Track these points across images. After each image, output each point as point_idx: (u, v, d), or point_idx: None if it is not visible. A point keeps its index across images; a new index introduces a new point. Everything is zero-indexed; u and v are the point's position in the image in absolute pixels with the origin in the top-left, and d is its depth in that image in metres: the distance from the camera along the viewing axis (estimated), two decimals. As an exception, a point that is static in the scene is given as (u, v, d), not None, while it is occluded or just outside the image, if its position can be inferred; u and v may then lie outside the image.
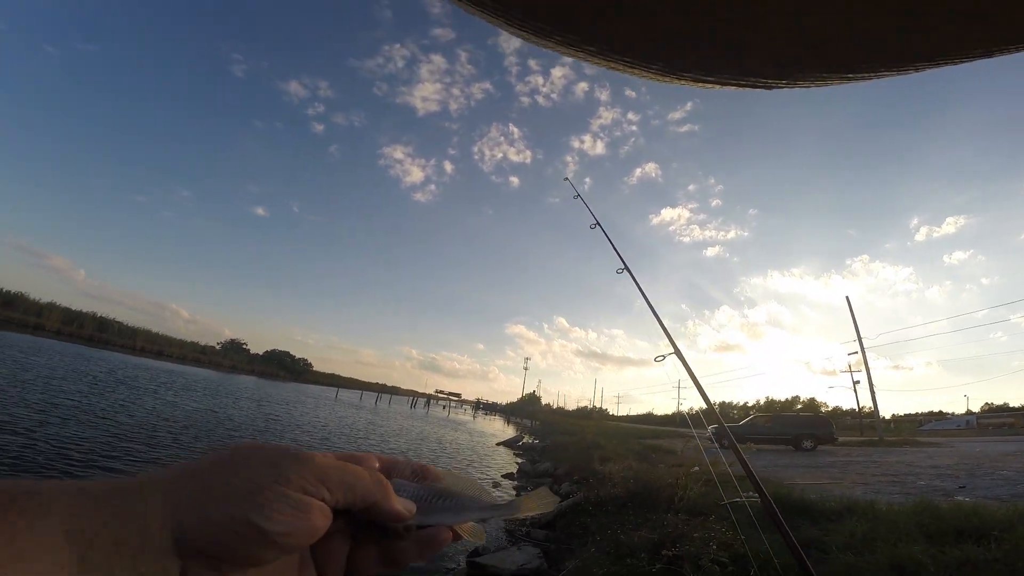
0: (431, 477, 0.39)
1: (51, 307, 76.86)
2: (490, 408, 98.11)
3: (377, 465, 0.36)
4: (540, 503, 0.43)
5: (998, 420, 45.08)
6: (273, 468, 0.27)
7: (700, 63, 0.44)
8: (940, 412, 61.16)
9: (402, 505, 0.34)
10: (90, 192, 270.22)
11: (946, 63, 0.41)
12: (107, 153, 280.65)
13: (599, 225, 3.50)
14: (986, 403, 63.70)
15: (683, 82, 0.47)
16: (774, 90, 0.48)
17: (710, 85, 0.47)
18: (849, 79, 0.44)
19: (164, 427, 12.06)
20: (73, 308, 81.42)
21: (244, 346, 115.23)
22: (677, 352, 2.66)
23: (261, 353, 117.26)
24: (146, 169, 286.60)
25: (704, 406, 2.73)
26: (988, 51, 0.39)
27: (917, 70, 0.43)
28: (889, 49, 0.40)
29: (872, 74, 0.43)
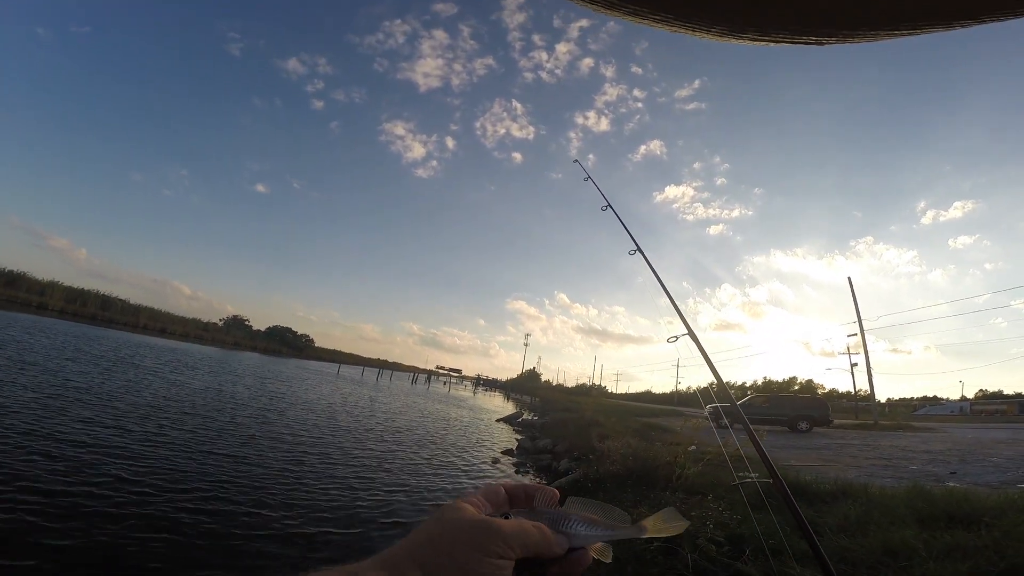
0: (551, 500, 0.48)
1: (53, 286, 76.78)
2: (490, 384, 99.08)
3: (504, 492, 0.48)
4: (668, 525, 0.47)
5: (991, 407, 45.64)
6: (478, 542, 0.39)
7: (760, 22, 0.44)
8: (935, 397, 61.78)
9: (557, 543, 0.43)
10: (88, 172, 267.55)
11: (1000, 18, 0.41)
12: (104, 133, 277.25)
13: (611, 207, 3.47)
14: (980, 389, 64.28)
15: (740, 41, 0.48)
16: (825, 45, 0.49)
17: (764, 42, 0.48)
18: (897, 34, 0.45)
19: (164, 414, 12.19)
20: (76, 287, 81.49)
21: (246, 322, 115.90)
22: (691, 333, 2.61)
23: (263, 329, 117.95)
24: (144, 149, 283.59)
25: (716, 385, 2.75)
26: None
27: (963, 26, 0.43)
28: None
29: (920, 29, 0.44)
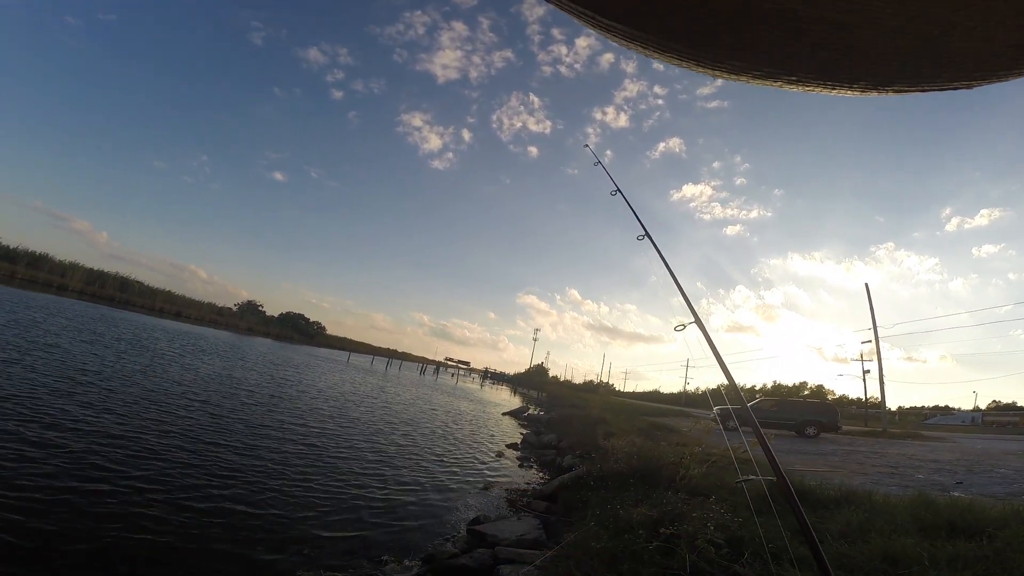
0: None
1: (74, 267, 78.54)
2: (498, 378, 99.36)
3: None
4: None
5: (1004, 418, 44.81)
6: None
7: (823, 72, 0.45)
8: (947, 407, 60.72)
9: None
10: (111, 158, 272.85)
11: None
12: (127, 120, 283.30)
13: (619, 192, 3.48)
14: (994, 400, 62.99)
15: (809, 89, 0.48)
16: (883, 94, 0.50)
17: (826, 90, 0.48)
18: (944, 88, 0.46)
19: (174, 401, 12.42)
20: (96, 269, 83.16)
21: (260, 308, 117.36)
22: (698, 321, 2.54)
23: (276, 315, 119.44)
24: (165, 136, 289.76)
25: (725, 381, 2.69)
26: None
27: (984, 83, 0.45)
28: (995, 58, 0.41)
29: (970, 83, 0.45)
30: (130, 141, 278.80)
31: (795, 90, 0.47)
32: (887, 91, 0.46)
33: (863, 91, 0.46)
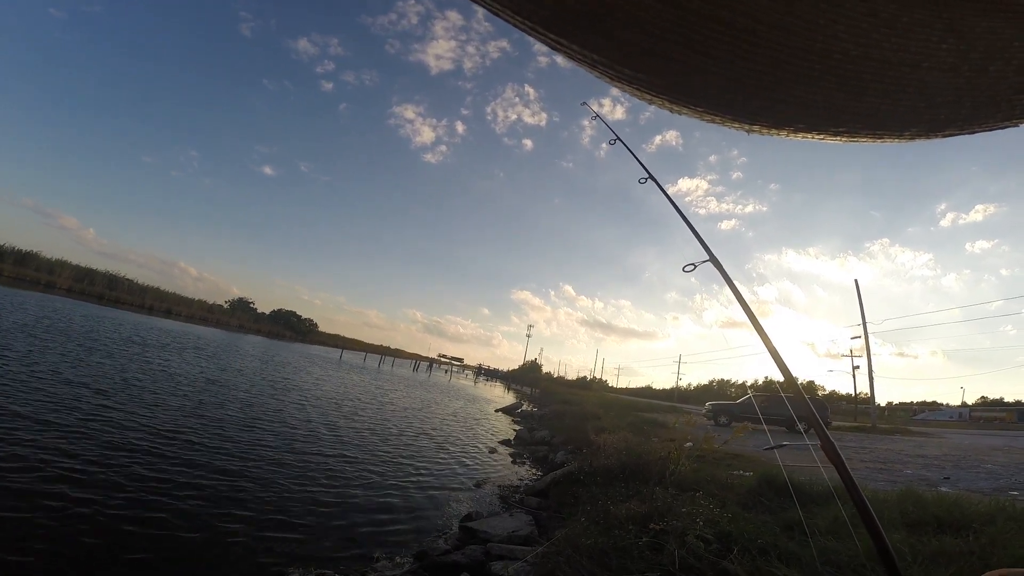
0: None
1: (62, 264, 77.42)
2: (491, 374, 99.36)
3: None
4: None
5: (990, 414, 45.60)
6: None
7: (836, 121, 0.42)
8: (935, 402, 61.63)
9: None
10: (99, 153, 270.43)
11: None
12: (115, 115, 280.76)
13: (619, 140, 3.45)
14: (982, 396, 63.96)
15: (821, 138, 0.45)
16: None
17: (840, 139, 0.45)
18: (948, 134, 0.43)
19: (159, 408, 12.29)
20: (84, 266, 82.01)
21: (251, 305, 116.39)
22: (713, 259, 2.22)
23: (268, 312, 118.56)
24: (154, 130, 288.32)
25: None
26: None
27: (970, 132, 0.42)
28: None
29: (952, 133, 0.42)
30: (118, 136, 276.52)
31: (839, 142, 0.44)
32: (937, 136, 0.44)
33: (912, 138, 0.44)
